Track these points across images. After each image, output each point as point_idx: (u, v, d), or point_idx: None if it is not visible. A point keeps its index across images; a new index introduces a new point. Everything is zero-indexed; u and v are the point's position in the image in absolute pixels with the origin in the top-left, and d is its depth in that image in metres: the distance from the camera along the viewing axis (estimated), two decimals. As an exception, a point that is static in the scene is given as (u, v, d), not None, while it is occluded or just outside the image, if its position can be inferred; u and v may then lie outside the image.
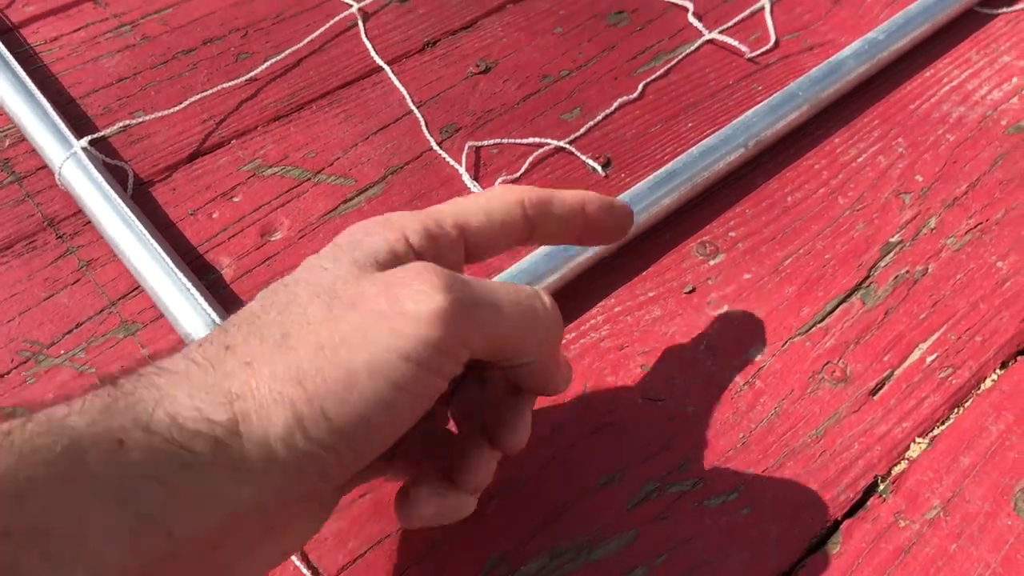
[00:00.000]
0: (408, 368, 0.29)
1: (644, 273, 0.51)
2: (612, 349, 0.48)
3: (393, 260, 0.32)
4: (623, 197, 0.51)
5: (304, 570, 0.40)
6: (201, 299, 0.45)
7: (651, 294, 0.50)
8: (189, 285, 0.46)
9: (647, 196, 0.51)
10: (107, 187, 0.50)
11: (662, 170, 0.52)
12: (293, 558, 0.40)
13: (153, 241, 0.48)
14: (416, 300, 0.29)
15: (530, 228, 0.37)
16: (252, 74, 0.60)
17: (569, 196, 0.38)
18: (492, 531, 0.41)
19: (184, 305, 0.45)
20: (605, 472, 0.43)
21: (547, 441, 0.44)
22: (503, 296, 0.32)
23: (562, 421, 0.45)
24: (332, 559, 0.40)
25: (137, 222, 0.49)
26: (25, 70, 0.56)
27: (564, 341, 0.48)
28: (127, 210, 0.49)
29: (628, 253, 0.51)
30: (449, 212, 0.34)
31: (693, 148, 0.54)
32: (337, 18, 0.63)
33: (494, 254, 0.37)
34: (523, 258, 0.48)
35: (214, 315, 0.45)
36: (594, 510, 0.42)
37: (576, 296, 0.50)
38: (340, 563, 0.40)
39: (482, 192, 0.36)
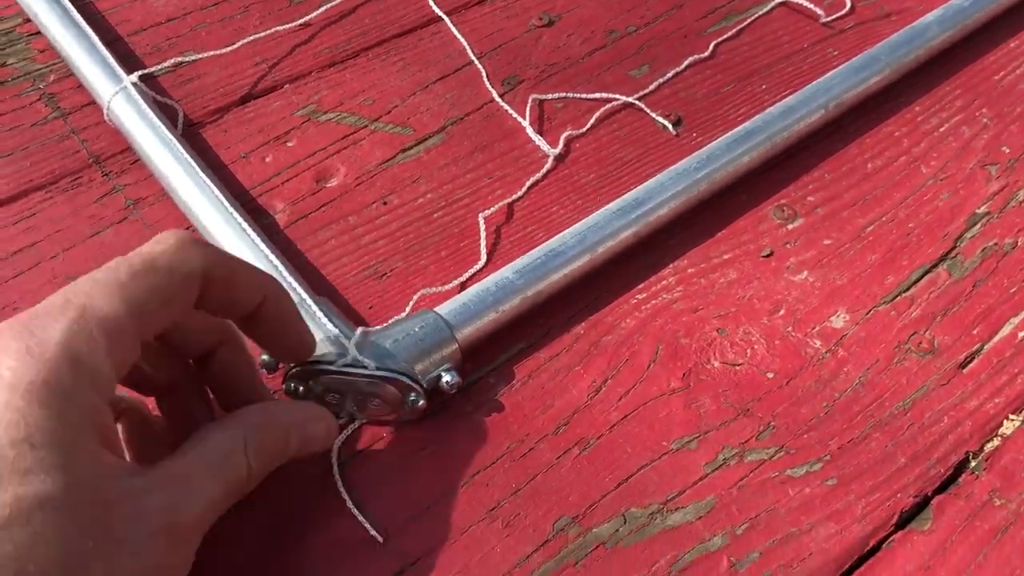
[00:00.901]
0: None
1: (718, 235, 0.48)
2: (685, 311, 0.45)
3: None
4: (699, 155, 0.48)
5: (367, 526, 0.37)
6: (258, 239, 0.43)
7: (726, 256, 0.48)
8: (245, 226, 0.44)
9: (724, 154, 0.49)
10: (158, 123, 0.48)
11: (740, 128, 0.50)
12: (357, 513, 0.38)
13: (206, 179, 0.45)
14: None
15: (199, 302, 0.33)
16: (306, 19, 0.57)
17: (254, 279, 0.34)
18: (563, 490, 0.39)
19: (240, 247, 0.43)
20: (681, 435, 0.41)
21: (619, 403, 0.42)
22: None
23: (635, 383, 0.42)
24: (396, 513, 0.38)
25: (189, 159, 0.46)
26: (73, 5, 0.54)
27: (636, 301, 0.46)
28: (179, 146, 0.47)
29: (702, 213, 0.49)
30: (127, 315, 0.29)
31: (772, 107, 0.51)
32: (396, -35, 0.61)
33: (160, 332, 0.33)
34: (592, 215, 0.46)
35: (272, 256, 0.42)
36: (670, 474, 0.40)
37: (647, 254, 0.47)
38: (404, 517, 0.38)
39: (155, 263, 0.31)
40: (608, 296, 0.46)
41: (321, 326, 0.40)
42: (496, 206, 0.48)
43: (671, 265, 0.47)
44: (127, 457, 0.35)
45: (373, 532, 0.37)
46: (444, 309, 0.42)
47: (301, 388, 0.39)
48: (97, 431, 0.28)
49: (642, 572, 0.37)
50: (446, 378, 0.40)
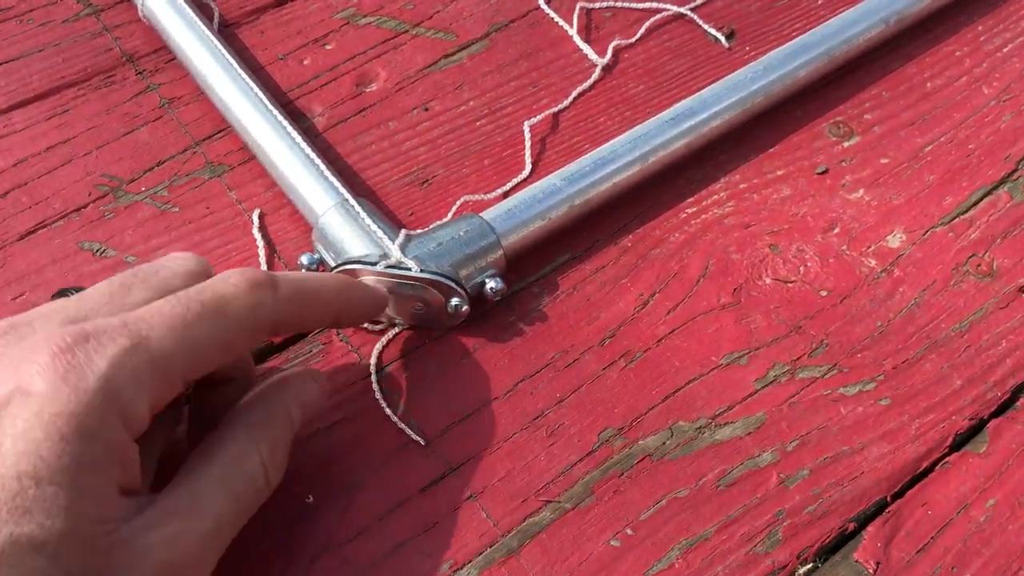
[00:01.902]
0: None
1: (772, 150, 0.47)
2: (737, 227, 0.44)
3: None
4: (755, 66, 0.46)
5: (408, 430, 0.37)
6: (298, 137, 0.41)
7: (780, 172, 0.46)
8: (285, 124, 0.42)
9: (780, 66, 0.47)
10: (195, 19, 0.46)
11: (797, 40, 0.48)
12: (395, 418, 0.37)
13: (246, 77, 0.44)
14: None
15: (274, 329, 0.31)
16: (346, -80, 0.55)
17: (326, 301, 0.33)
18: (608, 402, 0.38)
19: (280, 146, 0.42)
20: (731, 351, 0.39)
21: (666, 316, 0.40)
22: None
23: (683, 297, 0.41)
24: (437, 419, 0.37)
25: (228, 57, 0.45)
26: None
27: (685, 215, 0.44)
28: (217, 44, 0.45)
29: (755, 128, 0.47)
30: (181, 357, 0.27)
31: (831, 20, 0.49)
32: None
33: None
34: (642, 123, 0.44)
35: (312, 154, 0.41)
36: (719, 388, 0.38)
37: (698, 167, 0.46)
38: (445, 423, 0.37)
39: (225, 309, 0.29)
40: (657, 209, 0.44)
41: (363, 226, 0.38)
42: (541, 115, 0.47)
43: (722, 180, 0.45)
44: (143, 481, 0.29)
45: (415, 436, 0.36)
46: (489, 214, 0.40)
47: (342, 290, 0.38)
48: (115, 469, 0.26)
49: (688, 485, 0.36)
50: (491, 284, 0.39)
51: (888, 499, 0.36)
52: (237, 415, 0.31)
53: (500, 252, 0.39)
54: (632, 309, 0.41)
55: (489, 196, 0.43)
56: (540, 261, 0.42)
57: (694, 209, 0.44)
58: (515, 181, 0.44)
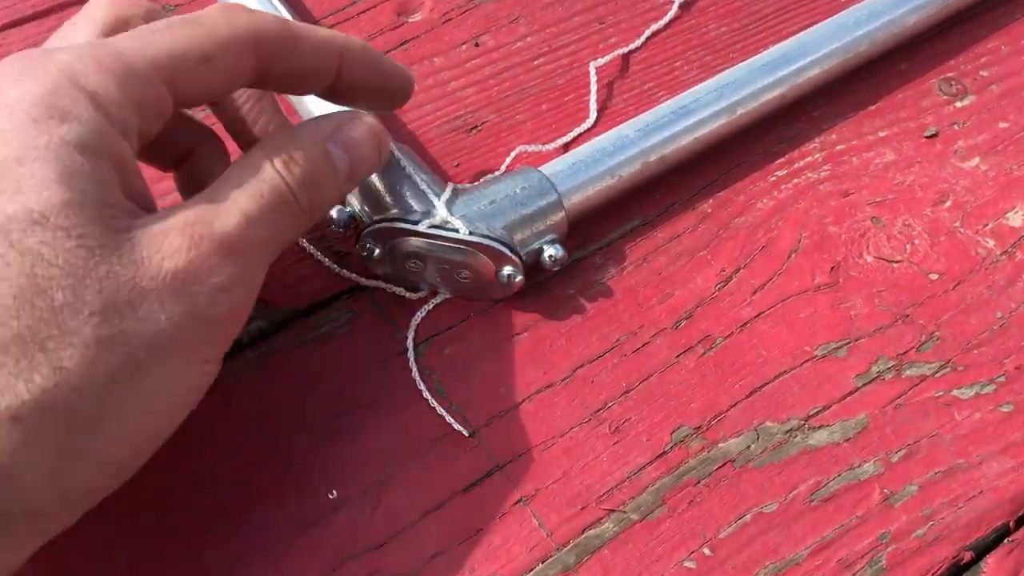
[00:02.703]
0: None
1: (874, 107, 0.40)
2: (834, 194, 0.38)
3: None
4: (858, 9, 0.40)
5: (448, 418, 0.31)
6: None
7: (882, 134, 0.40)
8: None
9: (884, 12, 0.40)
10: (216, -70, 0.40)
11: (909, -20, 0.41)
12: (434, 402, 0.31)
13: (277, 3, 0.38)
14: None
15: (261, 76, 0.27)
16: None
17: (321, 39, 0.28)
18: (683, 395, 0.32)
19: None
20: (827, 340, 0.34)
21: (752, 297, 0.35)
22: None
23: (772, 275, 0.35)
24: (482, 406, 0.32)
25: (252, -26, 0.39)
26: None
27: (774, 179, 0.38)
28: (240, -41, 0.39)
29: (854, 81, 0.41)
30: (153, 58, 0.24)
31: (948, -42, 0.42)
32: None
33: (204, 103, 0.27)
34: (730, 68, 0.38)
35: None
36: (813, 384, 0.33)
37: (790, 124, 0.39)
38: (492, 411, 0.32)
39: (199, 19, 0.25)
40: (742, 170, 0.38)
41: (405, 177, 0.33)
42: (609, 56, 0.41)
43: (817, 139, 0.39)
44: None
45: (458, 426, 0.31)
46: (550, 169, 0.34)
47: (377, 250, 0.33)
48: (106, 162, 0.23)
49: (777, 498, 0.30)
50: (549, 251, 0.33)
51: (1011, 525, 0.31)
52: (261, 141, 0.27)
53: (562, 214, 0.34)
54: (712, 287, 0.35)
55: (548, 147, 0.38)
56: (605, 226, 0.36)
57: (785, 172, 0.38)
58: (578, 131, 0.39)
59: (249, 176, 0.25)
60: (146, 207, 0.24)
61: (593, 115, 0.39)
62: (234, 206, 0.25)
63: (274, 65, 0.27)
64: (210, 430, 0.30)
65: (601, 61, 0.40)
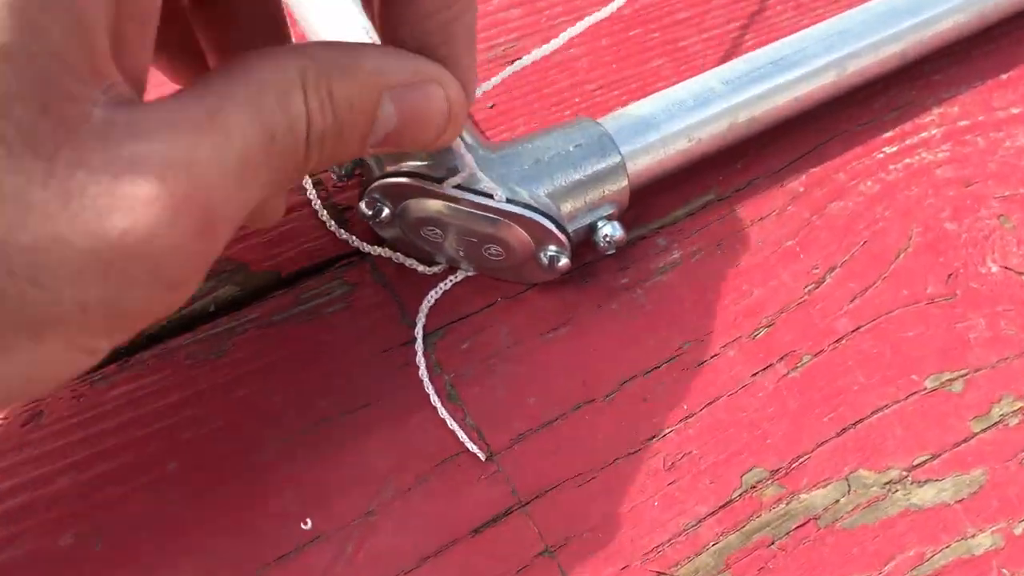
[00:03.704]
0: None
1: (1004, 77, 0.33)
2: (954, 182, 0.30)
3: None
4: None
5: (461, 435, 0.24)
6: (343, -29, 0.28)
7: (1015, 111, 0.32)
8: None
9: (1034, -42, 0.32)
10: None
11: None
12: (445, 413, 0.25)
13: None
14: None
15: None
16: None
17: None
18: (759, 427, 0.25)
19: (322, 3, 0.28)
20: (939, 370, 0.27)
21: (849, 305, 0.28)
22: None
23: (875, 279, 0.28)
24: (506, 421, 0.25)
25: None
26: None
27: (882, 156, 0.31)
28: None
29: (983, 44, 0.33)
30: None
31: None
32: None
33: None
34: (839, 16, 0.30)
35: (361, 17, 0.27)
36: (920, 425, 0.26)
37: (903, 90, 0.32)
38: (513, 431, 0.25)
39: None
40: (842, 141, 0.31)
41: (428, 120, 0.25)
42: (688, -16, 0.33)
43: (936, 111, 0.32)
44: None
45: (471, 444, 0.24)
46: (612, 123, 0.27)
47: (385, 210, 0.26)
48: (63, 14, 0.15)
49: (872, 569, 0.24)
50: (605, 230, 0.26)
51: None
52: (302, 45, 0.20)
53: (624, 182, 0.26)
54: (801, 288, 0.28)
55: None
56: (671, 199, 0.29)
57: (895, 148, 0.31)
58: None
59: (268, 97, 0.17)
60: (121, 81, 0.16)
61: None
62: (232, 147, 0.17)
63: None
64: (154, 432, 0.24)
65: (678, -11, 0.32)
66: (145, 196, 0.15)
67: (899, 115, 0.32)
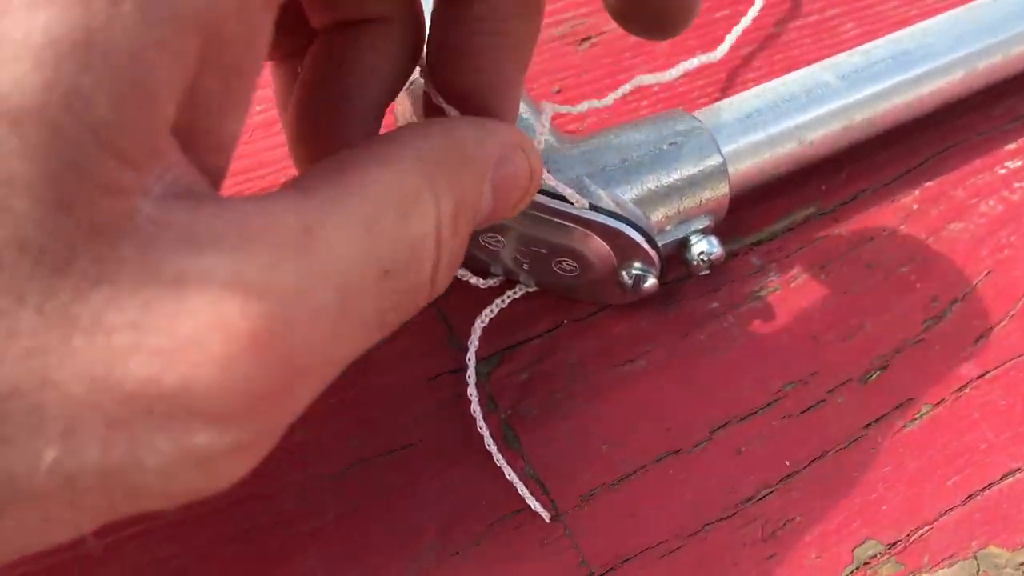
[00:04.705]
0: None
1: None
2: (1085, 204, 0.26)
3: None
4: None
5: (523, 491, 0.20)
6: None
7: None
8: None
9: None
10: None
11: None
12: (503, 463, 0.20)
13: None
14: None
15: None
16: None
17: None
18: (876, 489, 0.21)
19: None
20: (1080, 428, 0.23)
21: (974, 346, 0.23)
22: None
23: (1000, 314, 0.24)
24: (569, 476, 0.21)
25: None
26: None
27: (1004, 171, 0.27)
28: None
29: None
30: None
31: None
32: None
33: None
34: (963, 7, 0.26)
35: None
36: (1062, 497, 0.22)
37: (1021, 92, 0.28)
38: (582, 486, 0.21)
39: None
40: (960, 153, 0.26)
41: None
42: (783, -40, 0.28)
43: (1065, 118, 0.28)
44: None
45: (532, 501, 0.20)
46: (710, 118, 0.23)
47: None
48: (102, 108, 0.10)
49: (1007, 675, 0.20)
50: (700, 246, 0.22)
51: None
52: (404, 135, 0.15)
53: (724, 189, 0.22)
54: (919, 324, 0.24)
55: (667, 76, 0.25)
56: (765, 212, 0.25)
57: (1019, 163, 0.27)
58: (705, 58, 0.26)
59: (389, 214, 0.13)
60: (185, 163, 0.12)
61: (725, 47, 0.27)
62: (342, 253, 0.12)
63: None
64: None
65: (772, -35, 0.28)
66: (188, 332, 0.11)
67: (1022, 124, 0.27)
